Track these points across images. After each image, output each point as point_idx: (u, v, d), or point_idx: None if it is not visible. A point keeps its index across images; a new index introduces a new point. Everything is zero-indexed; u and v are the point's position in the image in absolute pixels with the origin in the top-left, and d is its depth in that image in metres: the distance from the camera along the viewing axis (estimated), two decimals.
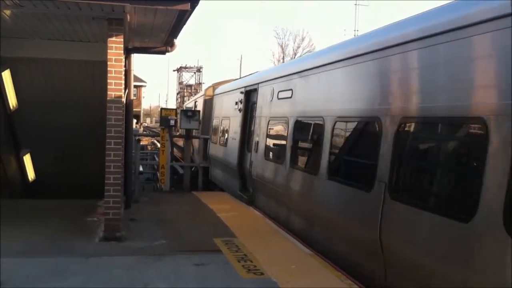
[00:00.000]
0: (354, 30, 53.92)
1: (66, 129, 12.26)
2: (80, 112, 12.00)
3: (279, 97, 10.55)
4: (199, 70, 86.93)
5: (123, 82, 8.49)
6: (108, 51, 8.06)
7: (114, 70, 8.14)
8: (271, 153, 11.00)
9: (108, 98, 8.13)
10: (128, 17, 7.96)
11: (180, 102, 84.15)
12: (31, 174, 13.95)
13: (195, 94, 67.18)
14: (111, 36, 8.02)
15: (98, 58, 10.40)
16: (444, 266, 4.93)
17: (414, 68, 5.96)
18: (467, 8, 5.18)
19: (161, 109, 14.84)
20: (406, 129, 5.93)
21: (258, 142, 11.70)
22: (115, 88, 8.17)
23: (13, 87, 11.47)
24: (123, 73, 8.61)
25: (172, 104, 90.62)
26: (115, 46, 8.09)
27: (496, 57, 4.69)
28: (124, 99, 9.11)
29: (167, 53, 11.58)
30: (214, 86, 18.78)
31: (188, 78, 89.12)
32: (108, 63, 8.08)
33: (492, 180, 4.41)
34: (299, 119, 9.37)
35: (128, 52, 10.59)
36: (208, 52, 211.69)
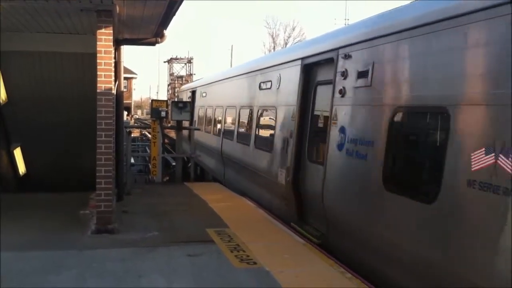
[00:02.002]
0: (345, 19, 53.93)
1: (57, 122, 12.18)
2: (71, 105, 11.92)
3: (202, 96, 19.93)
4: (189, 61, 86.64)
5: (113, 74, 8.45)
6: (98, 43, 8.01)
7: (104, 62, 8.10)
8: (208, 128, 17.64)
9: (98, 90, 8.09)
10: (117, 8, 7.91)
11: (171, 93, 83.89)
12: (22, 168, 13.88)
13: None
14: (100, 28, 7.97)
15: (88, 50, 10.32)
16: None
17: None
18: None
19: (152, 100, 14.78)
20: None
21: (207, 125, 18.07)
22: (105, 80, 8.13)
23: (2, 81, 11.37)
24: (113, 65, 8.56)
25: (163, 96, 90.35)
26: (104, 38, 8.04)
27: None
28: (114, 91, 9.07)
29: (157, 45, 11.55)
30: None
31: (179, 69, 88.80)
32: (98, 55, 8.04)
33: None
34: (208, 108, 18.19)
35: (118, 43, 10.53)
36: (199, 43, 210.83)
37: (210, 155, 16.30)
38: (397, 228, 5.90)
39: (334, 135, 7.61)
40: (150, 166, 15.37)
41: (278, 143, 10.05)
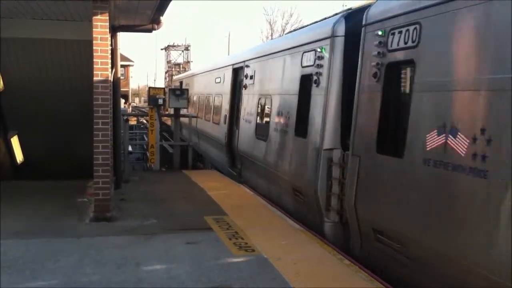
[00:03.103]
0: (343, 6, 53.63)
1: (54, 109, 12.13)
2: (68, 92, 11.86)
3: (186, 85, 22.71)
4: (187, 48, 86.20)
5: (109, 61, 8.39)
6: (94, 29, 7.95)
7: (100, 49, 8.03)
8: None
9: (94, 78, 8.04)
10: None
11: (168, 81, 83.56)
12: (19, 156, 13.84)
13: (183, 73, 66.56)
14: (96, 14, 7.91)
15: (84, 37, 10.24)
16: None
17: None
18: None
19: (149, 88, 14.71)
20: None
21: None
22: (101, 67, 8.07)
23: None
24: (110, 52, 8.50)
25: (161, 83, 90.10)
26: (100, 24, 7.98)
27: None
28: (111, 79, 9.02)
29: (153, 31, 11.46)
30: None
31: (176, 56, 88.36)
32: (94, 42, 7.98)
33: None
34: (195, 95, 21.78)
35: (114, 30, 10.44)
36: (196, 30, 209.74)
37: (189, 130, 20.41)
38: (262, 153, 10.88)
39: (242, 111, 12.92)
40: (148, 154, 15.36)
41: (222, 118, 15.25)
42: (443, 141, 5.07)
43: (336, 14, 8.74)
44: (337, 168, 7.47)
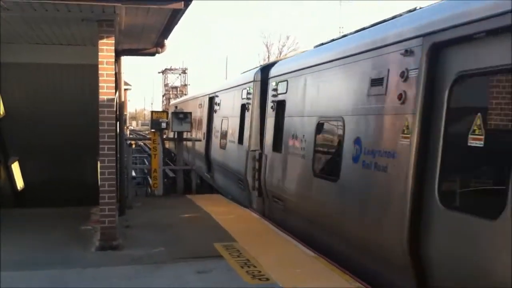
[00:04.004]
0: (339, 27, 53.97)
1: (55, 135, 11.93)
2: (69, 118, 11.67)
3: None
4: (184, 71, 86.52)
5: (114, 85, 8.23)
6: (99, 53, 7.79)
7: (106, 73, 7.87)
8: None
9: (100, 102, 7.85)
10: (122, 18, 7.70)
11: (166, 104, 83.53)
12: (20, 183, 13.59)
13: (180, 96, 66.69)
14: (102, 38, 7.75)
15: (87, 61, 10.12)
16: None
17: None
18: None
19: (152, 112, 14.56)
20: None
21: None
22: (107, 91, 7.90)
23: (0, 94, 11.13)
24: (114, 76, 8.35)
25: (158, 107, 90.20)
26: (106, 48, 7.82)
27: None
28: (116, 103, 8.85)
29: (157, 54, 11.35)
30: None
31: (174, 80, 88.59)
32: (99, 66, 7.82)
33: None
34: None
35: (117, 54, 10.30)
36: (194, 53, 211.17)
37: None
38: (222, 158, 14.82)
39: (213, 129, 16.77)
40: (149, 179, 15.13)
41: (201, 135, 18.95)
42: (293, 142, 9.46)
43: (257, 67, 13.90)
44: (257, 162, 11.41)
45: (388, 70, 6.21)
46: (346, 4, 70.57)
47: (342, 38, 8.72)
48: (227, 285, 6.13)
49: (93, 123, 8.53)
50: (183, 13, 7.72)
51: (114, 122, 8.12)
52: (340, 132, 7.44)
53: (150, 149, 14.97)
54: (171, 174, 17.95)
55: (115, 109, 8.39)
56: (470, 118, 4.91)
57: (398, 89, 5.98)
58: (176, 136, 14.96)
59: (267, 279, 6.31)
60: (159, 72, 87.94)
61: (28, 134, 11.91)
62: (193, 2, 7.09)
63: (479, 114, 4.81)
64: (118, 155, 10.37)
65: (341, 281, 6.29)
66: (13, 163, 12.93)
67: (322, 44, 9.60)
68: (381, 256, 6.17)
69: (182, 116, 14.14)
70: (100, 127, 7.84)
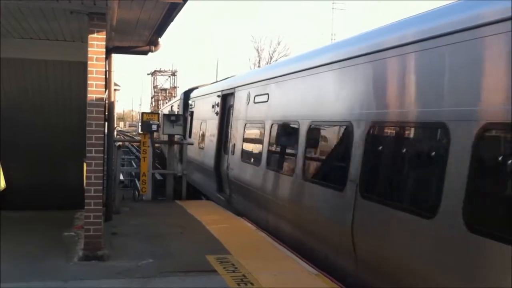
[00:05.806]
0: (331, 34, 53.69)
1: (39, 134, 11.29)
2: (55, 117, 11.05)
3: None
4: (173, 74, 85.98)
5: (104, 83, 7.68)
6: (89, 49, 7.23)
7: (96, 71, 7.31)
8: None
9: (88, 101, 7.29)
10: (115, 10, 7.15)
11: (154, 106, 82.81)
12: (2, 183, 12.93)
13: (169, 98, 66.10)
14: (92, 32, 7.20)
15: (75, 58, 9.54)
16: None
17: None
18: None
19: (143, 113, 13.98)
20: None
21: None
22: (96, 90, 7.34)
23: None
24: (105, 73, 7.79)
25: (147, 108, 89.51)
26: (96, 43, 7.27)
27: None
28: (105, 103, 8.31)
29: (149, 53, 10.81)
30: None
31: (163, 81, 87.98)
32: (89, 62, 7.26)
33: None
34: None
35: (108, 52, 9.73)
36: (184, 55, 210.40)
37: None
38: (201, 157, 16.56)
39: (192, 129, 18.77)
40: (137, 183, 14.54)
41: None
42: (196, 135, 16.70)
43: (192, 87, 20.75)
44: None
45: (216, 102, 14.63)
46: (339, 4, 69.83)
47: (212, 84, 17.65)
48: None
49: (80, 123, 7.97)
50: (180, 8, 7.23)
51: (103, 123, 7.58)
52: (204, 128, 16.65)
53: (138, 150, 14.39)
54: (158, 177, 17.34)
55: (104, 109, 7.84)
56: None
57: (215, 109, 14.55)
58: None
59: None
60: (148, 74, 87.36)
61: (12, 132, 11.27)
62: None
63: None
64: (106, 157, 9.82)
65: None
66: None
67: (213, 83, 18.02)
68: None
69: (174, 119, 13.57)
70: (87, 128, 7.28)
